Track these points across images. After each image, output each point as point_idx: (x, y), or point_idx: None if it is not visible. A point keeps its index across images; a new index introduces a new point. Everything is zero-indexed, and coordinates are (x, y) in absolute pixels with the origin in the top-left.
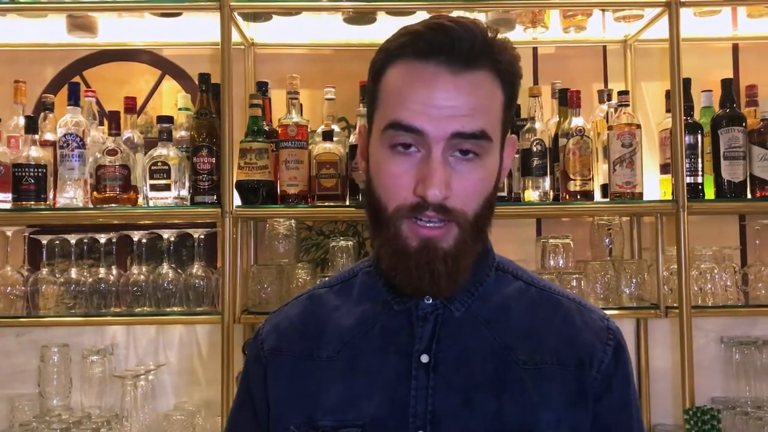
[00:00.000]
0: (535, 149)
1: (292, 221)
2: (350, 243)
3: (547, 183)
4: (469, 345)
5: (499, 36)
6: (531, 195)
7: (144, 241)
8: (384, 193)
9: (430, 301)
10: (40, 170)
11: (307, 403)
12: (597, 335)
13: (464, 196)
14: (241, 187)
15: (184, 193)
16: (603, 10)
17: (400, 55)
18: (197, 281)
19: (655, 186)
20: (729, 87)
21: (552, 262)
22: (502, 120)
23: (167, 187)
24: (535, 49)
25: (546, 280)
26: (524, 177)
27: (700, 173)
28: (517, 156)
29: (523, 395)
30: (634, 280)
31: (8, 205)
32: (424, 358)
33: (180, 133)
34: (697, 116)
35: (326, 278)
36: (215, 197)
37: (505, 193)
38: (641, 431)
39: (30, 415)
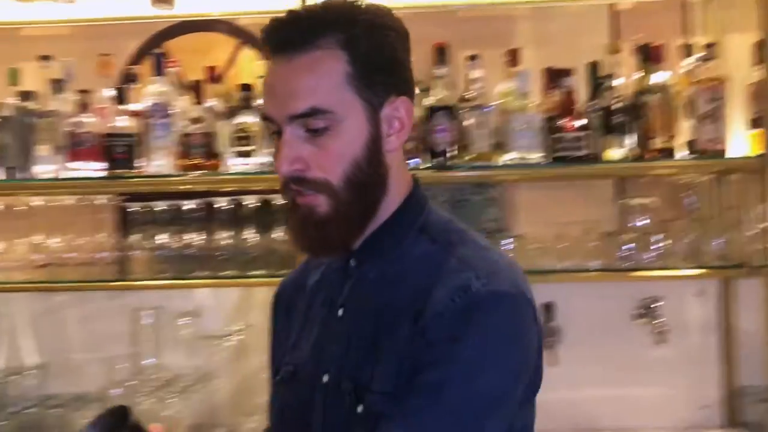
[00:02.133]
0: (616, 106)
1: None
2: None
3: (629, 141)
4: (369, 303)
5: (347, 5)
6: (613, 154)
7: (227, 207)
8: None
9: (353, 262)
10: (129, 139)
11: (284, 345)
12: (449, 290)
13: (322, 167)
14: None
15: (266, 159)
16: None
17: (264, 48)
18: (278, 245)
19: (740, 142)
20: None
21: (634, 223)
22: (354, 87)
23: (250, 154)
24: (612, 6)
25: (475, 242)
26: (605, 136)
27: None
28: (596, 114)
29: (376, 351)
30: (719, 240)
31: (101, 174)
32: (340, 312)
33: (259, 101)
34: None
35: None
36: None
37: (586, 153)
38: (440, 376)
39: (125, 375)
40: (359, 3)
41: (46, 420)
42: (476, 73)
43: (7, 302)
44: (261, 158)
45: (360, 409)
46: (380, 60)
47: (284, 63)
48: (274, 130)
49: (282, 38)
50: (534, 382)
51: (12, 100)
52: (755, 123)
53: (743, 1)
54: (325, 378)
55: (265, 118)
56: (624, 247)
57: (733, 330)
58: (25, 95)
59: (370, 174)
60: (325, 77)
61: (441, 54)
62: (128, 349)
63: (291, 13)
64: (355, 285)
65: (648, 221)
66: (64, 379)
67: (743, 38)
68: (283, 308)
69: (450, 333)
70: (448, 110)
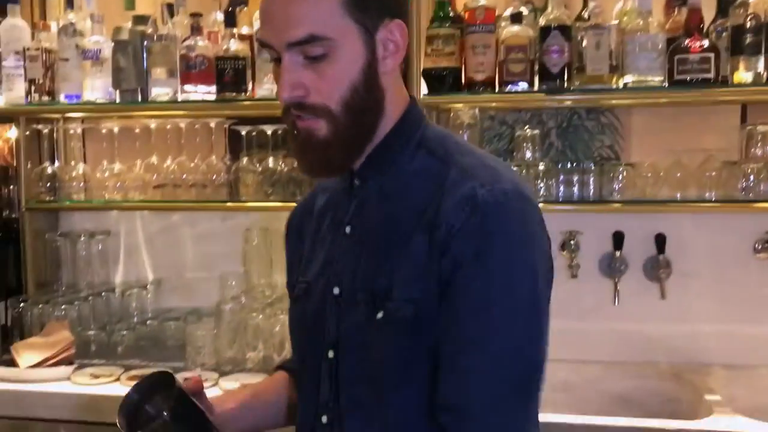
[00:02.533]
0: (748, 25)
1: (476, 110)
2: (536, 132)
3: (761, 63)
4: (373, 217)
5: None
6: (742, 76)
7: None
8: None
9: (357, 181)
10: (239, 63)
11: (298, 263)
12: (459, 201)
13: (321, 92)
14: (428, 74)
15: None
16: None
17: None
18: None
19: None
20: None
21: (759, 151)
22: (349, 13)
23: None
24: None
25: (473, 153)
26: (734, 57)
27: None
28: (725, 34)
29: (390, 259)
30: None
31: (212, 97)
32: (348, 229)
33: None
34: None
35: None
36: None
37: (712, 75)
38: (479, 299)
39: (238, 291)
40: None
41: (163, 332)
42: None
43: (126, 221)
44: None
45: (380, 315)
46: None
47: None
48: (274, 57)
49: None
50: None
51: (127, 25)
52: None
53: None
54: (336, 290)
55: (264, 45)
56: (747, 178)
57: None
58: (140, 19)
59: (367, 98)
60: (321, 4)
61: None
62: (239, 268)
63: None
64: (359, 203)
65: None
66: (179, 295)
67: None
68: (294, 233)
69: (472, 249)
70: (564, 30)
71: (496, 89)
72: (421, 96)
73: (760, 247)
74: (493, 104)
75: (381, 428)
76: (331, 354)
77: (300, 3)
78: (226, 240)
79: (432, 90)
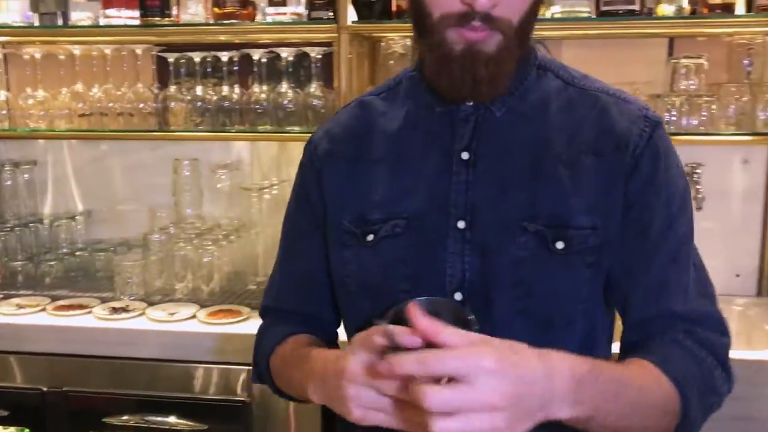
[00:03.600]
0: None
1: (408, 40)
2: None
3: None
4: (508, 141)
5: None
6: (664, 9)
7: (264, 60)
8: (431, 3)
9: (471, 103)
10: None
11: (359, 201)
12: (633, 122)
13: (512, 5)
14: (357, 1)
15: (301, 9)
16: None
17: None
18: (315, 101)
19: None
20: None
21: (682, 85)
22: None
23: (284, 3)
24: None
25: (592, 77)
26: None
27: None
28: None
29: (557, 185)
30: None
31: (136, 22)
32: (465, 155)
33: None
34: None
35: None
36: (331, 13)
37: (637, 7)
38: (669, 216)
39: (167, 222)
40: None
41: (92, 263)
42: None
43: (53, 150)
44: (296, 7)
45: (560, 245)
46: None
47: None
48: None
49: None
50: None
51: None
52: None
53: None
54: (461, 224)
55: None
56: (670, 111)
57: None
58: None
59: (533, 18)
60: None
61: None
62: (169, 199)
63: None
64: (478, 126)
65: (697, 84)
66: (109, 226)
67: None
68: (341, 160)
69: (660, 165)
70: None
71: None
72: (349, 23)
73: None
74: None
75: None
76: (458, 297)
77: None
78: (156, 170)
79: (361, 17)
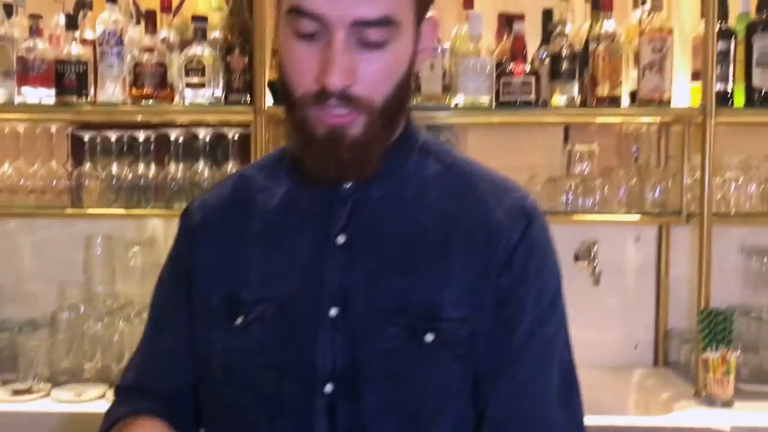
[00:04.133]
0: (564, 53)
1: None
2: None
3: (575, 88)
4: (384, 226)
5: None
6: (558, 100)
7: (181, 140)
8: (291, 79)
9: (350, 184)
10: (81, 66)
11: (231, 278)
12: (510, 213)
13: (370, 84)
14: (274, 86)
15: (219, 92)
16: None
17: None
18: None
19: (685, 93)
20: None
21: (577, 169)
22: (414, 4)
23: (202, 86)
24: None
25: (474, 162)
26: (552, 82)
27: (730, 81)
28: (546, 61)
29: (431, 274)
30: (657, 188)
31: (52, 100)
32: (341, 239)
33: (214, 34)
34: (732, 23)
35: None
36: (248, 96)
37: (533, 98)
38: (539, 315)
39: (77, 300)
40: None
41: None
42: (429, 13)
43: None
44: (214, 90)
45: (430, 338)
46: None
47: None
48: (310, 33)
49: None
50: None
51: None
52: (695, 76)
53: None
54: (333, 311)
55: (310, 15)
56: (568, 193)
57: (666, 275)
58: None
59: (403, 97)
60: None
61: None
62: (80, 277)
63: None
64: (355, 209)
65: (590, 168)
66: (15, 305)
67: None
68: (216, 234)
69: (534, 262)
70: None
71: None
72: (266, 107)
73: (580, 255)
74: None
75: None
76: (329, 389)
77: None
78: (66, 248)
79: (277, 101)
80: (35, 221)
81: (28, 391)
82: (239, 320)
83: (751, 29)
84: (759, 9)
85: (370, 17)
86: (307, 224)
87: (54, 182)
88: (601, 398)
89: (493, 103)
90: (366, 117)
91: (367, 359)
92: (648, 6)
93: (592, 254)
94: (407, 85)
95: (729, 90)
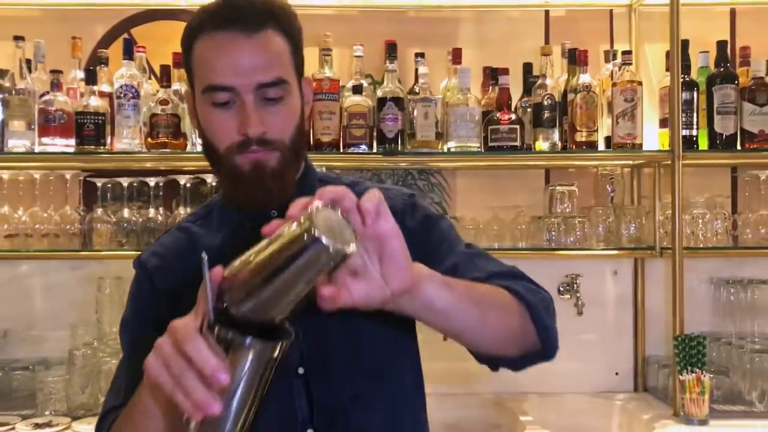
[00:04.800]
0: (545, 103)
1: (323, 168)
2: None
3: (556, 135)
4: None
5: (277, 1)
6: (541, 145)
7: (189, 185)
8: (215, 139)
9: (276, 214)
10: (99, 118)
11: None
12: (396, 198)
13: (279, 129)
14: None
15: None
16: None
17: (202, 30)
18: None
19: (655, 138)
20: (724, 48)
21: (558, 208)
22: (293, 65)
23: None
24: (547, 12)
25: (361, 181)
26: (535, 129)
27: (694, 127)
28: (529, 109)
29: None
30: (632, 224)
31: (71, 149)
32: None
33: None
34: (694, 75)
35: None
36: None
37: (518, 143)
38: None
39: (89, 339)
40: None
41: (10, 382)
42: (423, 69)
43: None
44: None
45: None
46: (299, 44)
47: (244, 39)
48: (223, 102)
49: (240, 16)
50: None
51: None
52: (663, 123)
53: (660, 15)
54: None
55: (221, 88)
56: (550, 231)
57: (642, 306)
58: None
59: (301, 136)
60: (282, 53)
61: (392, 50)
62: (89, 317)
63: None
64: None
65: (571, 207)
66: (25, 345)
67: (659, 47)
68: (171, 273)
69: (420, 214)
70: (397, 101)
71: (341, 150)
72: None
73: (563, 289)
74: (338, 163)
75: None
76: (301, 371)
77: (268, 50)
78: (77, 290)
79: None
80: (46, 264)
81: (48, 424)
82: None
83: (711, 81)
84: (717, 63)
85: (268, 80)
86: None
87: (67, 226)
88: (587, 422)
89: (482, 148)
90: (279, 153)
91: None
92: (619, 61)
93: (575, 287)
94: (303, 128)
95: (694, 135)
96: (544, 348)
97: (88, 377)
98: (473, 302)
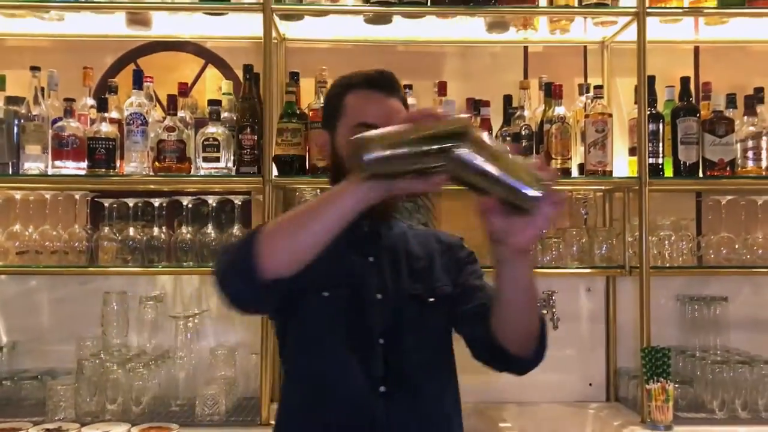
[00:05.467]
0: (523, 133)
1: (318, 190)
2: None
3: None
4: (393, 250)
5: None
6: None
7: (191, 206)
8: None
9: (367, 227)
10: (110, 143)
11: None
12: (453, 237)
13: None
14: (279, 160)
15: (230, 164)
16: (584, 17)
17: (359, 84)
18: (236, 240)
19: (624, 166)
20: (687, 84)
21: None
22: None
23: (217, 159)
24: (525, 48)
25: (422, 228)
26: None
27: (660, 155)
28: (508, 138)
29: (431, 273)
30: (604, 245)
31: (83, 172)
32: (371, 258)
33: (223, 114)
34: (660, 108)
35: None
36: (257, 168)
37: None
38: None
39: (95, 351)
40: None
41: (18, 391)
42: (411, 100)
43: None
44: (226, 163)
45: (432, 299)
46: (406, 102)
47: (385, 97)
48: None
49: (384, 83)
50: None
51: (1, 104)
52: (632, 151)
53: (630, 51)
54: (379, 296)
55: (366, 125)
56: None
57: (614, 321)
58: (14, 100)
59: None
60: (401, 109)
61: None
62: (94, 330)
63: (381, 70)
64: (376, 241)
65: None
66: (33, 357)
67: (629, 81)
68: None
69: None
70: None
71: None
72: (273, 177)
73: (540, 305)
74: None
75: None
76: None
77: (399, 109)
78: (83, 304)
79: (282, 173)
80: (54, 278)
81: (58, 430)
82: (321, 296)
83: (675, 113)
84: (681, 97)
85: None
86: (348, 247)
87: (75, 244)
88: (562, 429)
89: None
90: None
91: (397, 320)
92: (591, 94)
93: (551, 303)
94: None
95: (660, 163)
96: (536, 356)
97: (95, 386)
98: (534, 288)
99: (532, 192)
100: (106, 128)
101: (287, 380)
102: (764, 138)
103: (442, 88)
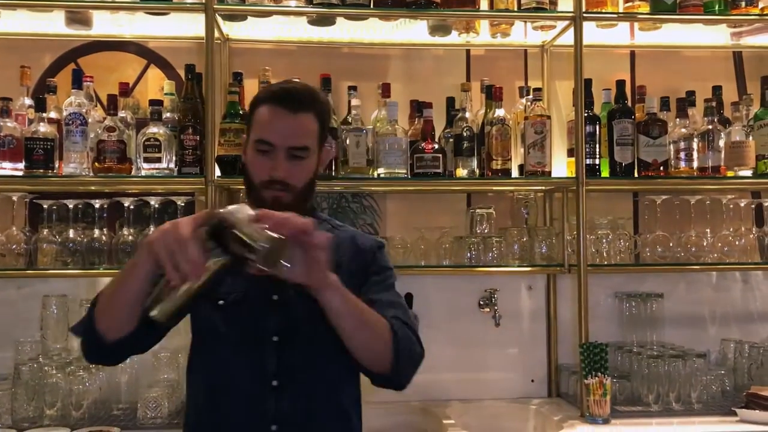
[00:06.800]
0: (465, 134)
1: None
2: None
3: (474, 162)
4: None
5: (318, 92)
6: (461, 172)
7: (132, 207)
8: (253, 174)
9: None
10: (48, 143)
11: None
12: (371, 243)
13: (296, 179)
14: (221, 161)
15: (172, 165)
16: (525, 21)
17: (266, 100)
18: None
19: (563, 167)
20: (622, 87)
21: (478, 229)
22: (318, 138)
23: (158, 160)
24: (468, 51)
25: (348, 227)
26: (456, 157)
27: (597, 156)
28: (451, 140)
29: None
30: (544, 244)
31: (20, 173)
32: None
33: (165, 115)
34: (597, 110)
35: None
36: (199, 169)
37: (441, 170)
38: (387, 283)
39: (34, 355)
40: (314, 88)
41: None
42: (355, 101)
43: None
44: (168, 163)
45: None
46: (327, 123)
47: (289, 114)
48: (265, 150)
49: (290, 99)
50: None
51: None
52: (570, 152)
53: (568, 55)
54: (275, 296)
55: (264, 142)
56: (471, 249)
57: (555, 318)
58: None
59: (312, 185)
60: (311, 130)
61: (326, 83)
62: (33, 334)
63: (296, 85)
64: None
65: (489, 228)
66: None
67: (568, 84)
68: None
69: (380, 261)
70: (332, 131)
71: None
72: (215, 178)
73: (483, 303)
74: None
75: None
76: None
77: (304, 126)
78: (22, 307)
79: (224, 173)
80: None
81: None
82: (220, 303)
83: (611, 115)
84: (617, 100)
85: (297, 145)
86: None
87: (13, 246)
88: (505, 425)
89: (409, 175)
90: (293, 194)
91: (295, 317)
92: (531, 96)
93: (493, 301)
94: (314, 180)
95: (597, 164)
96: (393, 374)
97: (33, 391)
98: (357, 313)
99: (257, 248)
100: (44, 128)
101: (190, 380)
102: (695, 139)
103: (385, 90)
